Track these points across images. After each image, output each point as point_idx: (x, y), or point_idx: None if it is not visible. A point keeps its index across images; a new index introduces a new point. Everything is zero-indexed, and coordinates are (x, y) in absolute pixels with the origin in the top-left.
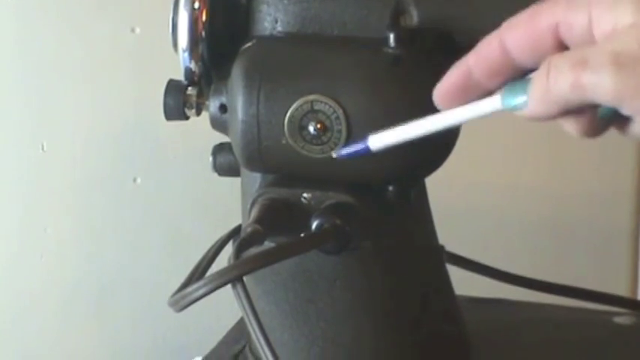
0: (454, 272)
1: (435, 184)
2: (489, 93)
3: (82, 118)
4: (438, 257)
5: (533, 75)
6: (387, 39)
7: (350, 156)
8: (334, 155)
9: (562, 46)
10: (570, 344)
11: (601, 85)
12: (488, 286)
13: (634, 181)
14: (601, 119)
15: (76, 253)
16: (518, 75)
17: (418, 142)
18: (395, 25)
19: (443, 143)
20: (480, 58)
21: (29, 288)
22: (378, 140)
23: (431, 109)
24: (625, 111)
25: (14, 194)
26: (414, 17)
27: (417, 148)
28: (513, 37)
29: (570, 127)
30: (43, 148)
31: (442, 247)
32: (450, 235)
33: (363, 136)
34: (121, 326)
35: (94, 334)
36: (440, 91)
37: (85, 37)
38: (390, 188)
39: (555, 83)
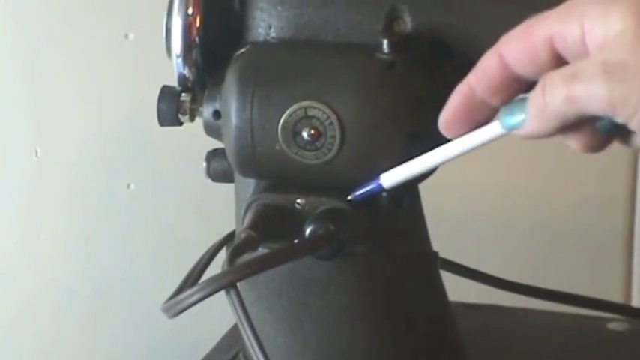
0: (448, 278)
1: (429, 189)
2: (494, 111)
3: (76, 124)
4: (432, 263)
5: (530, 93)
6: (380, 45)
7: (365, 196)
8: (350, 198)
9: (560, 58)
10: (564, 350)
11: (593, 95)
12: (481, 292)
13: (628, 187)
14: (601, 133)
15: (70, 259)
16: (522, 88)
17: (413, 148)
18: (389, 30)
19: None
20: (480, 75)
21: (23, 294)
22: (390, 178)
23: (425, 115)
24: (619, 119)
25: (8, 200)
26: (407, 23)
27: (412, 155)
28: (511, 50)
29: (573, 143)
30: (36, 154)
31: (436, 253)
32: (443, 241)
33: (375, 177)
34: (115, 332)
35: (88, 340)
36: (445, 118)
37: (79, 43)
38: (384, 194)
39: (551, 98)
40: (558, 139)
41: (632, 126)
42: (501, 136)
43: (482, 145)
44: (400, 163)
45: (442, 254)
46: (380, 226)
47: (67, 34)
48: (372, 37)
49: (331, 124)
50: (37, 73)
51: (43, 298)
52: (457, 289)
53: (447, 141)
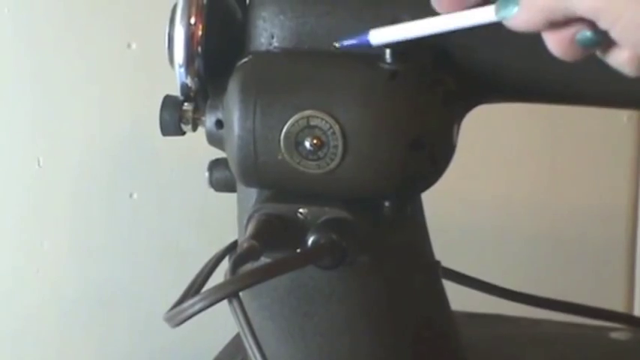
0: (450, 288)
1: (432, 199)
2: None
3: (79, 133)
4: (435, 273)
5: None
6: (383, 54)
7: (351, 46)
8: (337, 45)
9: None
10: None
11: None
12: (484, 302)
13: (630, 196)
14: (578, 44)
15: (72, 268)
16: None
17: (415, 157)
18: None
19: (439, 158)
20: None
21: (26, 303)
22: (379, 35)
23: (427, 124)
24: (602, 25)
25: (11, 209)
26: None
27: (414, 164)
28: None
29: (552, 44)
30: (39, 164)
31: (438, 263)
32: (446, 251)
33: (364, 31)
34: (118, 341)
35: (91, 349)
36: None
37: (82, 52)
38: (387, 203)
39: None
40: (561, 148)
41: (613, 34)
42: (490, 23)
43: (471, 26)
44: (403, 171)
45: (444, 263)
46: (382, 235)
47: (70, 43)
48: (375, 47)
49: (334, 133)
50: (39, 82)
51: (45, 307)
52: (459, 299)
53: None
